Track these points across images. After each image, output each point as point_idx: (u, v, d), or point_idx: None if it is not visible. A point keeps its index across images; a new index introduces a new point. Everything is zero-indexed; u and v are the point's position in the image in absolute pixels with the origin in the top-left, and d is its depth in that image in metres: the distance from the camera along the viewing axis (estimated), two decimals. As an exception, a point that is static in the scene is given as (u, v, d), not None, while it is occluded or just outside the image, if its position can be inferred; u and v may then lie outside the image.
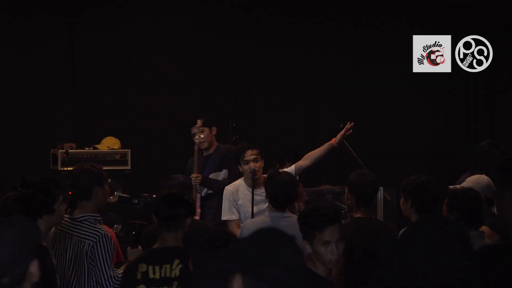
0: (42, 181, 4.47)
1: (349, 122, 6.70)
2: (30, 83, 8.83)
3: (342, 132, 6.62)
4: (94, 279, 4.67)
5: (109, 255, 4.70)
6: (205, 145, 7.00)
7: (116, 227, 7.46)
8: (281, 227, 5.32)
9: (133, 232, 6.00)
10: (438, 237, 2.33)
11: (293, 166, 6.58)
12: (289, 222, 5.40)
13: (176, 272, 4.23)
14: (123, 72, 9.12)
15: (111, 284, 4.66)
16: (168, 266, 4.18)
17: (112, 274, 4.67)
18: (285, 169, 6.48)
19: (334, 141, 6.61)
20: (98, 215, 4.87)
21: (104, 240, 4.68)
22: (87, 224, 4.76)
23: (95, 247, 4.66)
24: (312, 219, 4.00)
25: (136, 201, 5.93)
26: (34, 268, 2.47)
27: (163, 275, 4.17)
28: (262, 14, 9.42)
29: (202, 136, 6.95)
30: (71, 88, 9.02)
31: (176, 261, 4.27)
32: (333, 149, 6.68)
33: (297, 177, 6.41)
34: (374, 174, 5.46)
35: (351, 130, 6.68)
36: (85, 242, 4.70)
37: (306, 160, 6.64)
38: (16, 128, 8.80)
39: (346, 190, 5.36)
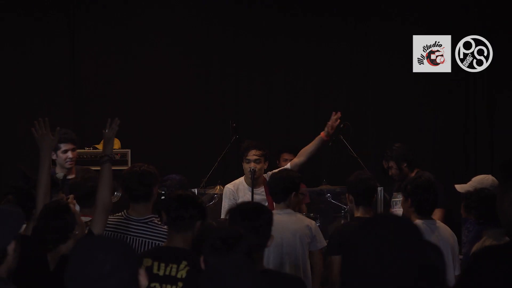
0: (36, 178, 4.48)
1: (334, 113, 6.69)
2: (30, 82, 8.84)
3: (330, 123, 6.60)
4: None
5: None
6: (73, 165, 6.66)
7: (116, 194, 7.28)
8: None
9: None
10: (389, 234, 2.32)
11: (288, 164, 6.61)
12: (278, 218, 5.43)
13: (183, 273, 4.15)
14: (123, 72, 9.12)
15: None
16: (175, 266, 4.15)
17: None
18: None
19: (323, 134, 6.61)
20: (157, 215, 4.87)
21: None
22: (153, 226, 4.79)
23: None
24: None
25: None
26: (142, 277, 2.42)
27: (167, 273, 4.13)
28: (262, 12, 9.42)
29: (73, 155, 6.60)
30: (71, 88, 9.02)
31: (184, 263, 4.18)
32: (324, 143, 6.65)
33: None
34: (372, 174, 5.49)
35: (338, 121, 6.65)
36: (155, 243, 4.72)
37: (300, 157, 6.67)
38: (16, 128, 8.80)
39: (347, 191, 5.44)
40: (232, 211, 3.97)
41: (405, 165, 6.96)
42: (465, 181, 5.96)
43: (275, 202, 5.61)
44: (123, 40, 9.11)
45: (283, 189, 5.52)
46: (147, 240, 4.74)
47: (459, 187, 5.74)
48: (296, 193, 5.57)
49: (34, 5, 8.86)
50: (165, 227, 4.80)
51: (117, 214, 4.97)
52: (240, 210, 3.93)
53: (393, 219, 2.41)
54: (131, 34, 9.13)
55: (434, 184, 5.36)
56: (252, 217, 3.78)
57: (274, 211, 5.59)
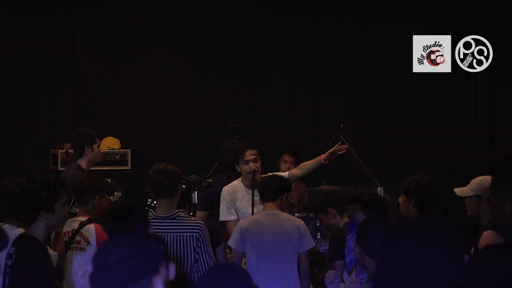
0: (45, 179, 4.47)
1: (340, 142, 6.71)
2: (30, 82, 8.84)
3: (331, 150, 6.59)
4: (198, 266, 4.93)
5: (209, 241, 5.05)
6: None
7: (116, 194, 7.29)
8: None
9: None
10: (428, 236, 2.32)
11: (286, 173, 6.62)
12: (266, 219, 5.53)
13: None
14: (123, 72, 9.12)
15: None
16: None
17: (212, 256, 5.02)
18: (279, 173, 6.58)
19: (322, 157, 6.58)
20: (182, 210, 5.13)
21: (205, 227, 4.98)
22: (182, 219, 5.01)
23: (200, 238, 4.93)
24: None
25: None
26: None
27: None
28: (262, 13, 9.42)
29: None
30: (71, 88, 9.02)
31: None
32: (322, 166, 6.61)
33: (293, 183, 6.48)
34: (372, 174, 5.48)
35: (343, 151, 6.65)
36: (190, 235, 4.94)
37: (299, 170, 6.69)
38: (16, 128, 8.80)
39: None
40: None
41: None
42: (465, 181, 5.93)
43: (265, 201, 5.66)
44: (123, 40, 9.11)
45: (274, 189, 5.59)
46: (178, 234, 4.93)
47: (459, 191, 5.68)
48: (288, 195, 5.64)
49: (34, 5, 8.86)
50: (193, 218, 5.12)
51: None
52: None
53: (432, 221, 2.40)
54: (131, 35, 9.12)
55: (437, 185, 5.38)
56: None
57: (262, 212, 5.63)
